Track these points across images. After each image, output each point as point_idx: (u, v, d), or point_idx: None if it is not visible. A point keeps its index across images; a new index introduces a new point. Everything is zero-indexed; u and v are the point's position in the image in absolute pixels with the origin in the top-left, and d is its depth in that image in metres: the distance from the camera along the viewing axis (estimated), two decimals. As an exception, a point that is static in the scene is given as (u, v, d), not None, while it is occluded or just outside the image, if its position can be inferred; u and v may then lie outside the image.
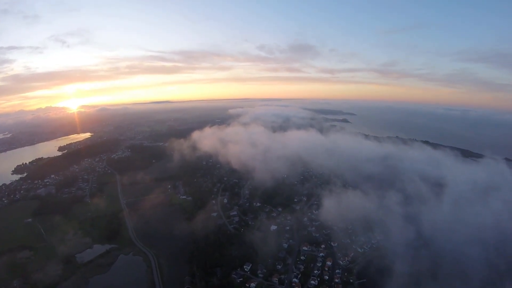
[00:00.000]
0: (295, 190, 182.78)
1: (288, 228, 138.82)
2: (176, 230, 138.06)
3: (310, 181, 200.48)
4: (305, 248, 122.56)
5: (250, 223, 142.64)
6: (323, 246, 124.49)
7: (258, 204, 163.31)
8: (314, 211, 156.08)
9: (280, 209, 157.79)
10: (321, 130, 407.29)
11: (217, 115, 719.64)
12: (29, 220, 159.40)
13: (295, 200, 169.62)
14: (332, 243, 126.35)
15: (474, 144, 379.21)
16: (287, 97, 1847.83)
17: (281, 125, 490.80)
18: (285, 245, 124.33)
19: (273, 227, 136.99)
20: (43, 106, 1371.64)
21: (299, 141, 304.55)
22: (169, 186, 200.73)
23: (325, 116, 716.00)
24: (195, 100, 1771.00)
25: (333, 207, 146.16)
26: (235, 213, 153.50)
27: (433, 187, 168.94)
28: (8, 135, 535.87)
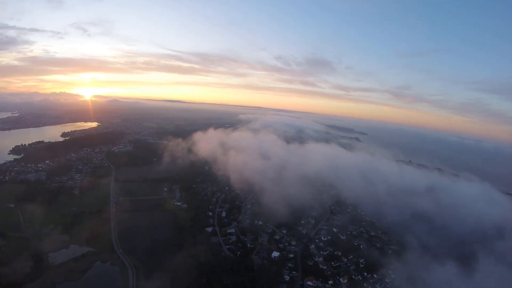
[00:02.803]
0: (303, 211, 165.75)
1: (291, 256, 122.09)
2: (163, 241, 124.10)
3: (321, 202, 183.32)
4: (309, 283, 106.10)
5: (248, 245, 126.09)
6: (330, 282, 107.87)
7: (260, 222, 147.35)
8: (323, 238, 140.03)
9: (284, 231, 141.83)
10: (342, 147, 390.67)
11: (227, 120, 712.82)
12: (12, 205, 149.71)
13: (302, 222, 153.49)
14: (341, 279, 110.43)
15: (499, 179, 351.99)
16: (299, 110, 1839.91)
17: (295, 136, 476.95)
18: (287, 277, 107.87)
19: (275, 254, 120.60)
20: (57, 90, 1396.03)
21: (316, 156, 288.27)
22: (165, 189, 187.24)
23: (336, 133, 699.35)
24: (207, 103, 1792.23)
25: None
26: (232, 230, 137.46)
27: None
28: (16, 114, 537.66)
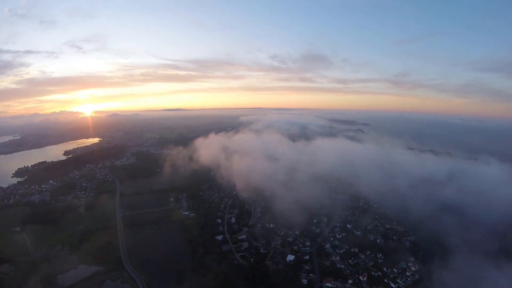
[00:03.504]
0: (314, 209, 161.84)
1: (307, 257, 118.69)
2: (173, 253, 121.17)
3: (332, 198, 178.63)
4: (328, 284, 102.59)
5: (261, 250, 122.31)
6: (350, 281, 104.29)
7: (272, 225, 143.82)
8: (337, 235, 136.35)
9: (297, 232, 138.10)
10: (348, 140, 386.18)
11: (228, 123, 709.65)
12: (17, 229, 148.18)
13: (315, 220, 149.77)
14: (360, 277, 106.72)
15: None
16: (299, 107, 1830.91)
17: (299, 133, 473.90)
18: (304, 281, 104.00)
19: (290, 257, 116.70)
20: (57, 110, 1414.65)
21: (323, 151, 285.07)
22: (171, 199, 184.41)
23: (339, 127, 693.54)
24: (208, 109, 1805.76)
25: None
26: (244, 236, 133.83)
27: None
28: (18, 137, 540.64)
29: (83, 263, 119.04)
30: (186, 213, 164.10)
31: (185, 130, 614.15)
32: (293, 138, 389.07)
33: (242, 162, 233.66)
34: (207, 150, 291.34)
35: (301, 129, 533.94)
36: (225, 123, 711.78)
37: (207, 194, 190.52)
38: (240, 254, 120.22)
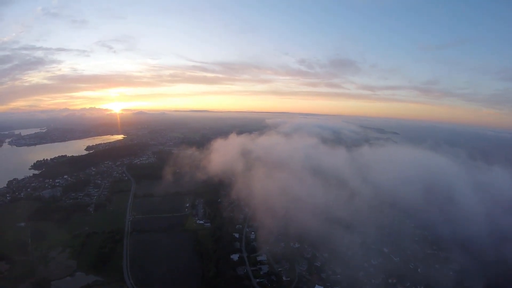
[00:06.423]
0: (345, 225, 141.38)
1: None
2: (181, 270, 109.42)
3: (363, 213, 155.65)
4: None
5: (284, 278, 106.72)
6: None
7: (297, 245, 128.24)
8: (372, 261, 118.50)
9: (326, 254, 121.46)
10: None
11: (254, 126, 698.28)
12: (22, 224, 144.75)
13: (346, 241, 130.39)
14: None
15: None
16: (326, 113, 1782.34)
17: (331, 138, 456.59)
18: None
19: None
20: (87, 106, 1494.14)
21: (351, 158, 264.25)
22: (187, 204, 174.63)
23: (370, 134, 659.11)
24: (234, 111, 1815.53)
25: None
26: (264, 258, 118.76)
27: None
28: (44, 130, 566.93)
29: (81, 270, 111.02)
30: (201, 222, 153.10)
31: (209, 131, 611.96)
32: (325, 142, 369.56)
33: (268, 168, 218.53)
34: (230, 153, 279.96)
35: (333, 134, 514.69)
36: (250, 126, 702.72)
37: (226, 202, 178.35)
38: (258, 280, 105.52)
